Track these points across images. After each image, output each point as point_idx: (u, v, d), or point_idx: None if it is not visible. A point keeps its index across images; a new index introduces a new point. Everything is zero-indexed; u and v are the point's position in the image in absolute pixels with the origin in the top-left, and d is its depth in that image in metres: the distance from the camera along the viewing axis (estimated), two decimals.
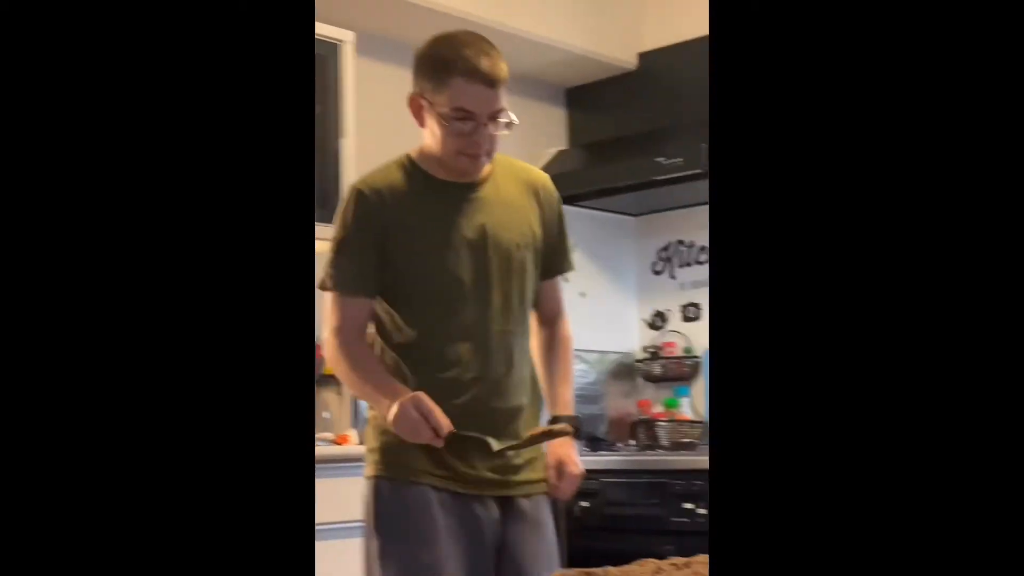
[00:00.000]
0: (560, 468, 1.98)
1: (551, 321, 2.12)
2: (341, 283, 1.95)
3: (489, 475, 1.93)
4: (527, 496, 1.99)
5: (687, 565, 1.29)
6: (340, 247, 1.96)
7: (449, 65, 1.88)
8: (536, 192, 2.05)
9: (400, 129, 4.38)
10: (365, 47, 3.96)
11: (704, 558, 1.31)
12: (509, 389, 1.97)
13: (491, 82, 1.87)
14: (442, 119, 1.90)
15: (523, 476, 1.98)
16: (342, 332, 1.96)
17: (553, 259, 2.08)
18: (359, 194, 1.96)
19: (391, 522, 1.91)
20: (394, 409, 1.84)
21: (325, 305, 2.00)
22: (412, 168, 1.99)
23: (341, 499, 3.10)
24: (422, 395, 1.86)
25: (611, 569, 1.28)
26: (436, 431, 1.83)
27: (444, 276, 1.94)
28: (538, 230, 2.03)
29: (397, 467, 1.92)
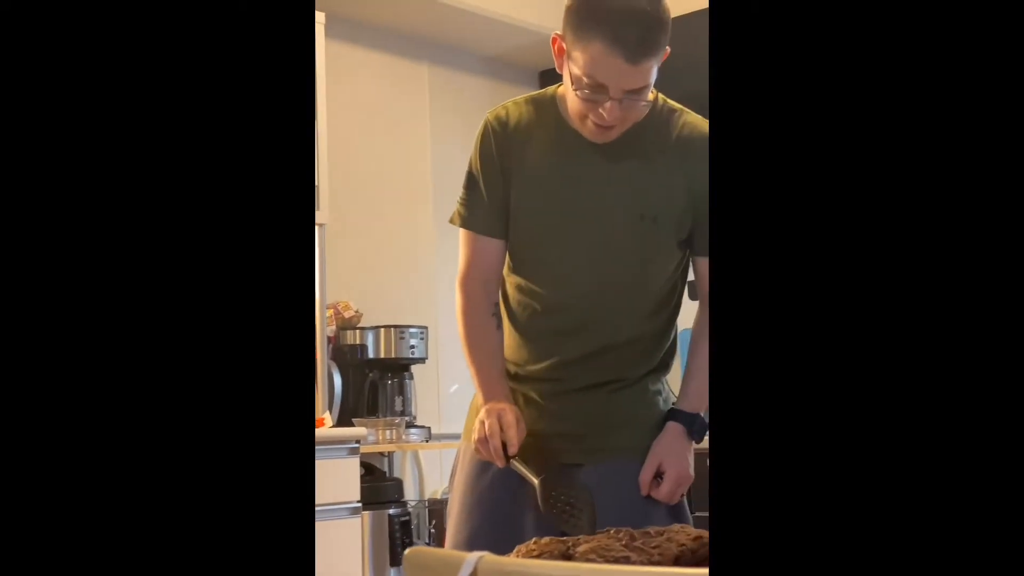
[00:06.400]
0: (660, 469, 1.78)
1: (703, 302, 1.86)
2: (469, 219, 1.80)
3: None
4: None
5: (660, 533, 1.29)
6: (469, 180, 1.81)
7: (592, 25, 1.60)
8: (690, 155, 1.75)
9: (372, 112, 4.38)
10: (336, 30, 3.95)
11: (679, 527, 1.31)
12: (598, 367, 1.80)
13: (634, 58, 1.59)
14: (572, 80, 1.65)
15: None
16: (467, 280, 1.82)
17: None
18: (485, 125, 1.80)
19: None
20: (482, 413, 1.74)
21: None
22: (549, 106, 1.79)
23: (317, 482, 3.09)
24: (508, 412, 1.72)
25: (583, 537, 1.28)
26: (498, 453, 1.72)
27: (547, 236, 1.77)
28: (681, 198, 1.75)
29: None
